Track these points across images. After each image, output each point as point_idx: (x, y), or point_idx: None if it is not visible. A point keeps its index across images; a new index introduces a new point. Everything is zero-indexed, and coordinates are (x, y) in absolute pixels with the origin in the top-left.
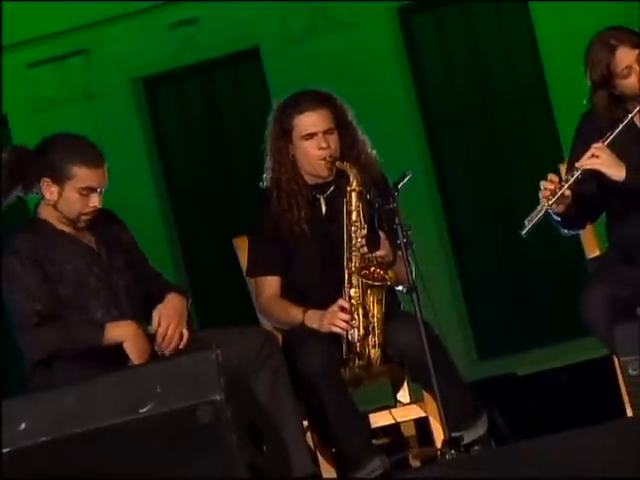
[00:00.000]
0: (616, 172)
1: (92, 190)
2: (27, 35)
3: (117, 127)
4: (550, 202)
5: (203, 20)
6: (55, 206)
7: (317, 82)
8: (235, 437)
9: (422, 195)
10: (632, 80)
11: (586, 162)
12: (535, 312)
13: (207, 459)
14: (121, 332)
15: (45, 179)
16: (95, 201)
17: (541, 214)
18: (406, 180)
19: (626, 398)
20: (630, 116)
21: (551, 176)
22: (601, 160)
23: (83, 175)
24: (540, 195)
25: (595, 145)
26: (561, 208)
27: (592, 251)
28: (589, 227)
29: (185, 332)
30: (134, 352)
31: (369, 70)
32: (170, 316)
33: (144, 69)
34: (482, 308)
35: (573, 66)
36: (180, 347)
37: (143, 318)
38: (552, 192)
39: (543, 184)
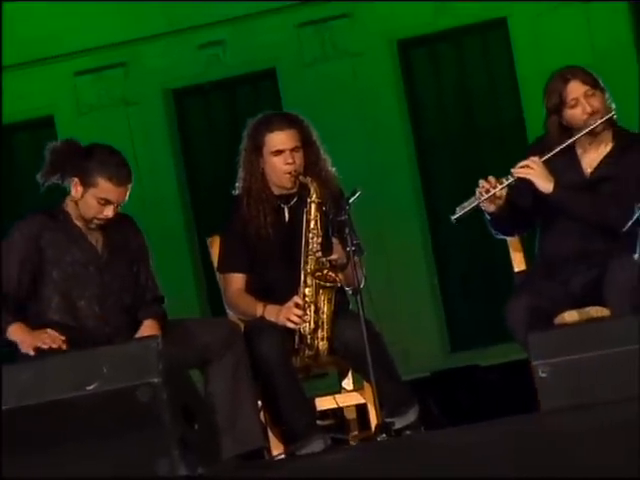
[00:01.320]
0: (544, 184)
1: (109, 202)
2: (75, 47)
3: (149, 132)
4: (482, 198)
5: (228, 42)
6: (76, 203)
7: (324, 101)
8: (169, 416)
9: (412, 206)
10: (577, 111)
11: (519, 170)
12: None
13: (144, 433)
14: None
15: (75, 178)
16: (109, 212)
17: (472, 205)
18: (356, 196)
19: None
20: (567, 142)
21: (490, 177)
22: (533, 171)
23: (105, 188)
24: (477, 190)
25: (532, 158)
26: (492, 208)
27: (519, 266)
28: (517, 244)
29: None
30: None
31: (370, 94)
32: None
33: (175, 82)
34: (457, 304)
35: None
36: None
37: (125, 321)
38: (487, 190)
39: (481, 182)
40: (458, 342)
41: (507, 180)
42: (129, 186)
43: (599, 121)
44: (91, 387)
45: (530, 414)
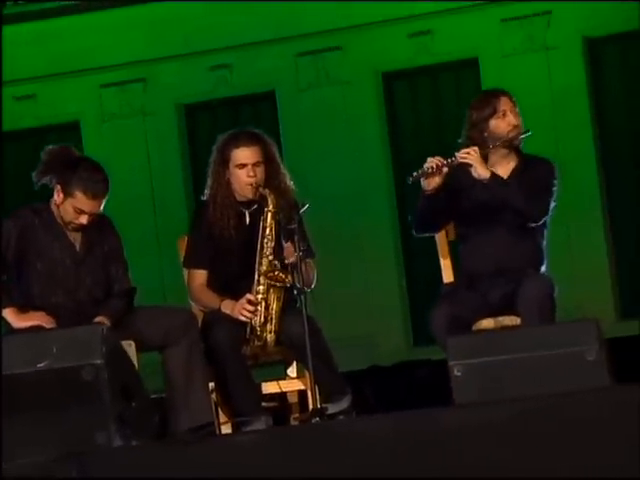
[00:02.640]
0: (482, 170)
1: (83, 212)
2: (101, 63)
3: (162, 140)
4: (427, 167)
5: (235, 66)
6: (57, 205)
7: (317, 123)
8: (109, 394)
9: (387, 217)
10: (503, 123)
11: (463, 154)
12: None
13: (86, 408)
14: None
15: (58, 185)
16: (83, 220)
17: (420, 172)
18: (305, 208)
19: None
20: (498, 143)
21: (437, 157)
22: (474, 157)
23: (81, 199)
24: (424, 166)
25: (473, 147)
26: (432, 185)
27: (448, 278)
28: (448, 261)
29: None
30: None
31: (356, 118)
32: None
33: (187, 98)
34: (421, 304)
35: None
36: None
37: (96, 312)
38: (436, 165)
39: (430, 159)
40: (420, 337)
41: (452, 161)
42: (103, 200)
43: (522, 135)
44: (42, 364)
45: (443, 407)
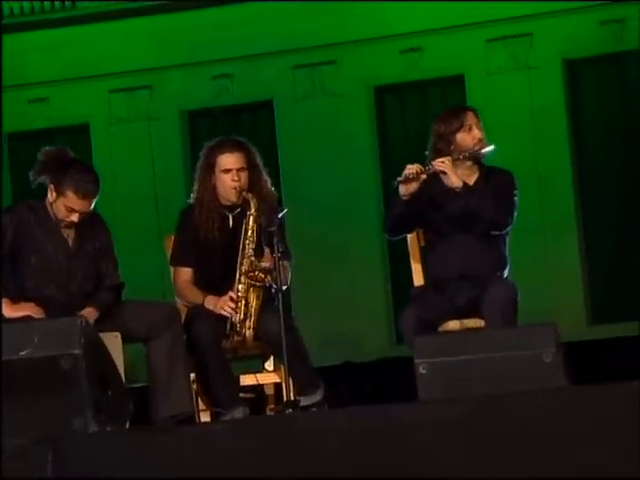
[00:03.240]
0: (455, 179)
1: (74, 210)
2: (111, 70)
3: (166, 143)
4: (408, 173)
5: (236, 76)
6: (50, 204)
7: (311, 131)
8: (86, 382)
9: (374, 224)
10: (469, 137)
11: (438, 163)
12: None
13: (64, 395)
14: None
15: (52, 184)
16: (74, 218)
17: (401, 178)
18: (284, 212)
19: None
20: (464, 155)
21: (416, 164)
22: (448, 167)
23: (72, 199)
24: (404, 173)
25: (446, 157)
26: (410, 190)
27: (418, 281)
28: (418, 265)
29: None
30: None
31: (348, 128)
32: None
33: (190, 105)
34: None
35: (496, 145)
36: None
37: (86, 304)
38: (413, 171)
39: (409, 166)
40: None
41: (429, 169)
42: (93, 199)
43: (486, 149)
44: (24, 353)
45: (407, 403)
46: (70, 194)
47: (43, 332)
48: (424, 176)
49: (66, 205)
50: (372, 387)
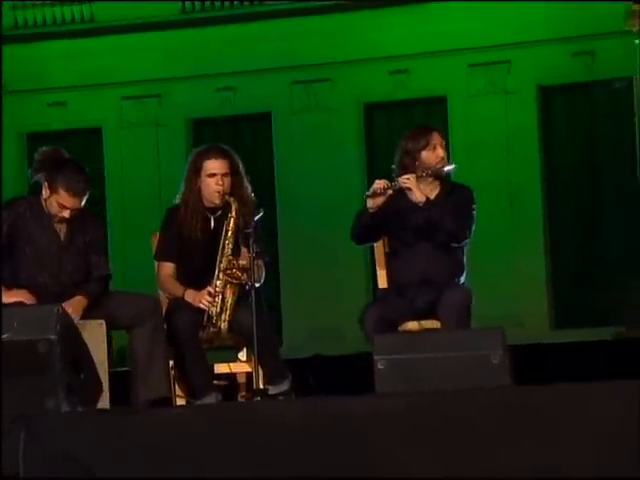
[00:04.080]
0: (419, 195)
1: (65, 207)
2: (124, 79)
3: (172, 148)
4: (376, 188)
5: (238, 89)
6: (44, 200)
7: (305, 142)
8: (60, 365)
9: None
10: (432, 155)
11: (404, 179)
12: None
13: (39, 377)
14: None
15: (46, 182)
16: (65, 214)
17: (369, 192)
18: (259, 215)
19: None
20: (427, 172)
21: (383, 180)
22: (412, 182)
23: (63, 196)
24: (371, 188)
25: (411, 174)
26: (377, 203)
27: (383, 284)
28: (383, 270)
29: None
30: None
31: (339, 140)
32: (70, 309)
33: (195, 114)
34: None
35: (472, 160)
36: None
37: (75, 293)
38: (382, 187)
39: (377, 181)
40: None
41: (395, 184)
42: (83, 198)
43: (447, 167)
44: (4, 336)
45: (362, 395)
46: (62, 192)
47: (22, 318)
48: (390, 191)
49: (58, 202)
50: (341, 380)
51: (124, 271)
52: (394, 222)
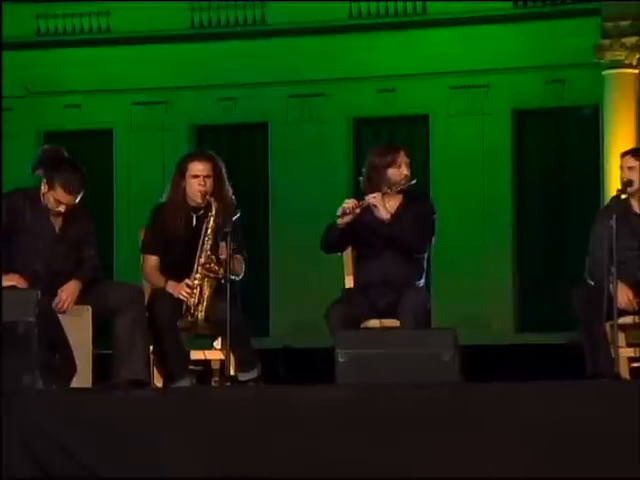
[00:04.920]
0: (384, 212)
1: (61, 203)
2: (135, 86)
3: (176, 151)
4: (346, 207)
5: (239, 99)
6: (43, 194)
7: (298, 151)
8: (37, 346)
9: None
10: (397, 173)
11: (371, 198)
12: None
13: (18, 356)
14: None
15: (45, 178)
16: (61, 209)
17: (338, 216)
18: (237, 216)
19: None
20: (392, 189)
21: (353, 199)
22: (378, 200)
23: (60, 193)
24: (342, 207)
25: (377, 192)
26: (346, 220)
27: (349, 284)
28: (350, 270)
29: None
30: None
31: (329, 150)
32: (64, 293)
33: (198, 121)
34: None
35: (450, 174)
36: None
37: (66, 281)
38: (352, 206)
39: (347, 201)
40: None
41: (363, 202)
42: (78, 195)
43: (409, 182)
44: None
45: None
46: (59, 189)
47: (4, 302)
48: (358, 210)
49: (55, 197)
50: (311, 370)
51: (126, 264)
52: (361, 235)
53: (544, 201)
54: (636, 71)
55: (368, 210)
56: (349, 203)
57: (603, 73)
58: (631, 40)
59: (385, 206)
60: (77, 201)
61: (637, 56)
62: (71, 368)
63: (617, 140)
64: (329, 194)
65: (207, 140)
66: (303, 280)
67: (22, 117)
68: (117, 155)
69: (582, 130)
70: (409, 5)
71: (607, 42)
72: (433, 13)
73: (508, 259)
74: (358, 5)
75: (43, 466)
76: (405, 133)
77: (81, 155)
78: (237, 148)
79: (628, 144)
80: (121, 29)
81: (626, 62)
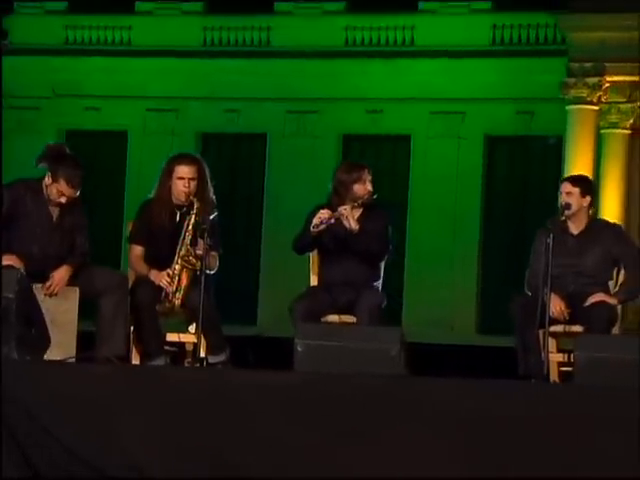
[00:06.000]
0: (353, 224)
1: (63, 195)
2: (149, 94)
3: None
4: (321, 218)
5: (241, 112)
6: (46, 187)
7: (293, 162)
8: (14, 319)
9: None
10: (361, 188)
11: (342, 211)
12: None
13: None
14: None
15: (50, 172)
16: (62, 200)
17: (314, 224)
18: (214, 215)
19: None
20: (360, 201)
21: (327, 210)
22: (348, 213)
23: (63, 186)
24: (317, 218)
25: (347, 205)
26: (319, 229)
27: (314, 282)
28: (316, 268)
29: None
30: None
31: (320, 163)
32: (56, 277)
33: (205, 129)
34: None
35: (427, 189)
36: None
37: (60, 265)
38: (327, 217)
39: (322, 211)
40: None
41: (336, 214)
42: (79, 188)
43: (372, 197)
44: None
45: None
46: (63, 182)
47: None
48: (333, 220)
49: (58, 189)
50: (280, 358)
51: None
52: (330, 241)
53: (509, 219)
54: (596, 108)
55: (338, 220)
56: (325, 214)
57: (567, 108)
58: (593, 80)
59: (354, 217)
60: (77, 194)
61: (597, 94)
62: (45, 342)
63: (576, 167)
64: (317, 201)
65: (211, 146)
66: (290, 276)
67: (47, 116)
68: (130, 155)
69: (546, 157)
70: (399, 36)
71: (572, 80)
72: (420, 45)
73: (474, 269)
74: (354, 34)
75: (11, 430)
76: (389, 150)
77: (98, 153)
78: (238, 155)
79: (586, 171)
80: (140, 42)
81: (588, 99)
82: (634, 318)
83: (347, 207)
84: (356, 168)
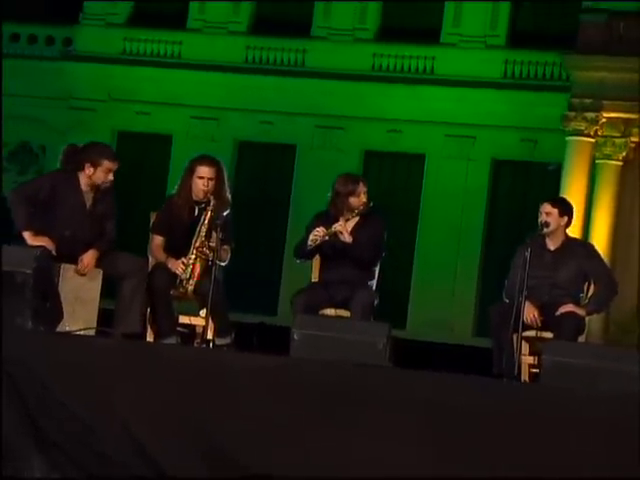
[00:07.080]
0: (348, 237)
1: (110, 170)
2: (194, 103)
3: (222, 159)
4: (316, 236)
5: (275, 123)
6: (90, 177)
7: (318, 171)
8: (31, 294)
9: None
10: (357, 201)
11: (338, 226)
12: None
13: (14, 301)
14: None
15: (87, 162)
16: (110, 177)
17: (310, 240)
18: (228, 212)
19: None
20: (355, 212)
21: (322, 227)
22: (343, 228)
23: (106, 163)
24: (313, 234)
25: (342, 220)
26: (315, 243)
27: (315, 278)
28: (317, 265)
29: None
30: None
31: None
32: (85, 260)
33: (242, 137)
34: None
35: (437, 204)
36: (85, 272)
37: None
38: (322, 233)
39: (318, 229)
40: None
41: (330, 231)
42: (116, 167)
43: (368, 206)
44: None
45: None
46: (105, 161)
47: (9, 255)
48: (327, 237)
49: (105, 169)
50: (280, 344)
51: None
52: (328, 249)
53: (509, 236)
54: (593, 140)
55: (334, 235)
56: (319, 232)
57: (567, 139)
58: (591, 115)
59: (348, 231)
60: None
61: (594, 128)
62: (58, 315)
63: (572, 192)
64: None
65: (247, 153)
66: (308, 272)
67: (103, 118)
68: (174, 158)
69: (546, 181)
70: (420, 65)
71: (572, 114)
72: (439, 74)
73: (474, 279)
74: (380, 60)
75: (22, 395)
76: (405, 167)
77: (146, 153)
78: (270, 162)
79: (581, 196)
80: (189, 56)
81: (585, 132)
82: (616, 330)
83: (341, 222)
84: (352, 181)
